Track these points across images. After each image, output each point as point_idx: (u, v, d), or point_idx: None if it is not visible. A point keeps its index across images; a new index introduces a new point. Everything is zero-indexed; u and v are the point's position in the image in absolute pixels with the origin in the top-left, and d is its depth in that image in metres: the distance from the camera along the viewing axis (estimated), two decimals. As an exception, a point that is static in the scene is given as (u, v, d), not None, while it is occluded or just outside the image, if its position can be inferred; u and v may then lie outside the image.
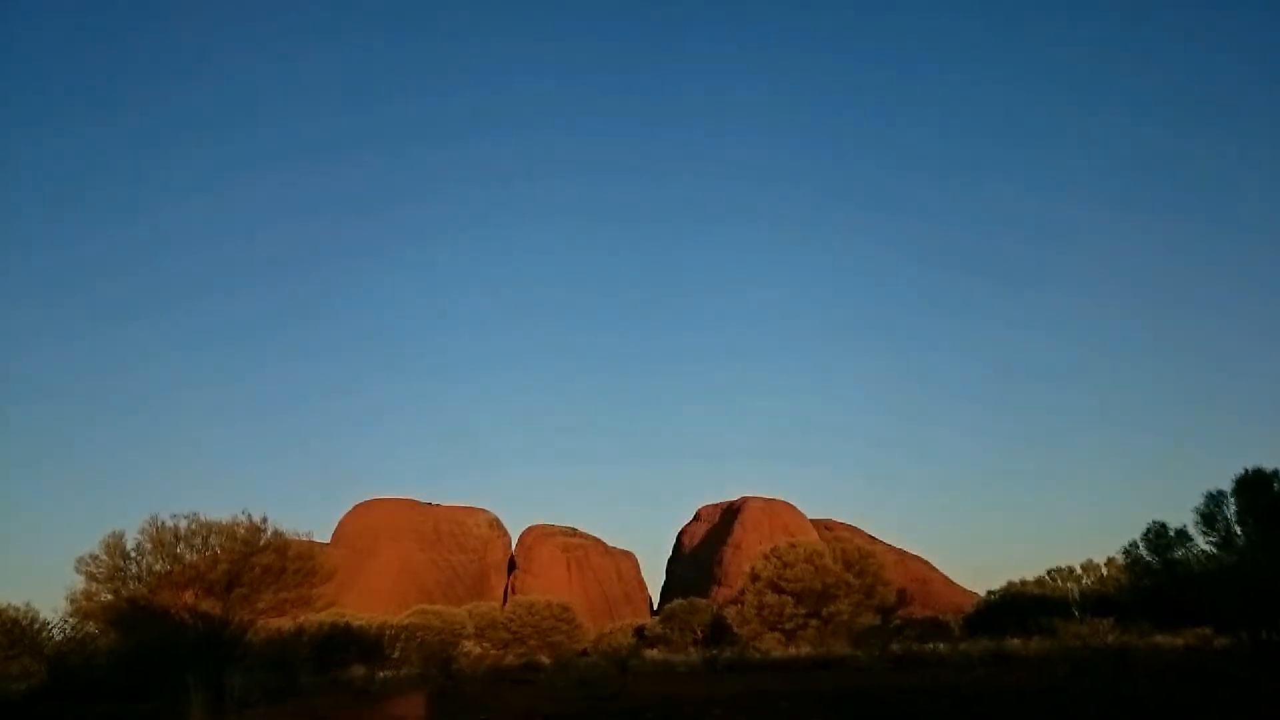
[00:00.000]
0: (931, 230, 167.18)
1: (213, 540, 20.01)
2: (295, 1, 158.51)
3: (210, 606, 19.19)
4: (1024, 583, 40.96)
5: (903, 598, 46.01)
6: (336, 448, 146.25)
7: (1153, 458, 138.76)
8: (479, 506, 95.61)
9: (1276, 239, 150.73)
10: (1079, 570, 38.52)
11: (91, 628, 20.82)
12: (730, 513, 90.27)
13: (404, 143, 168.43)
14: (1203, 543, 33.77)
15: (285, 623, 22.13)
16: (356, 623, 27.37)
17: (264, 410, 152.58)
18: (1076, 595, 36.54)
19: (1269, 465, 33.28)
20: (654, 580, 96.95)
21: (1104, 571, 36.95)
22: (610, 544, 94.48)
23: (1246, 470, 33.56)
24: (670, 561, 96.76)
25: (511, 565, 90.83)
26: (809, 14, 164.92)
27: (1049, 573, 40.06)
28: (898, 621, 36.12)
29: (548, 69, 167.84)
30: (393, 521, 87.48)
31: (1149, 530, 35.06)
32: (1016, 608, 31.72)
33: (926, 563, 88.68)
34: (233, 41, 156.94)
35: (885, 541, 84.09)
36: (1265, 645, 15.92)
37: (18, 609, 27.54)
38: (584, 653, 35.71)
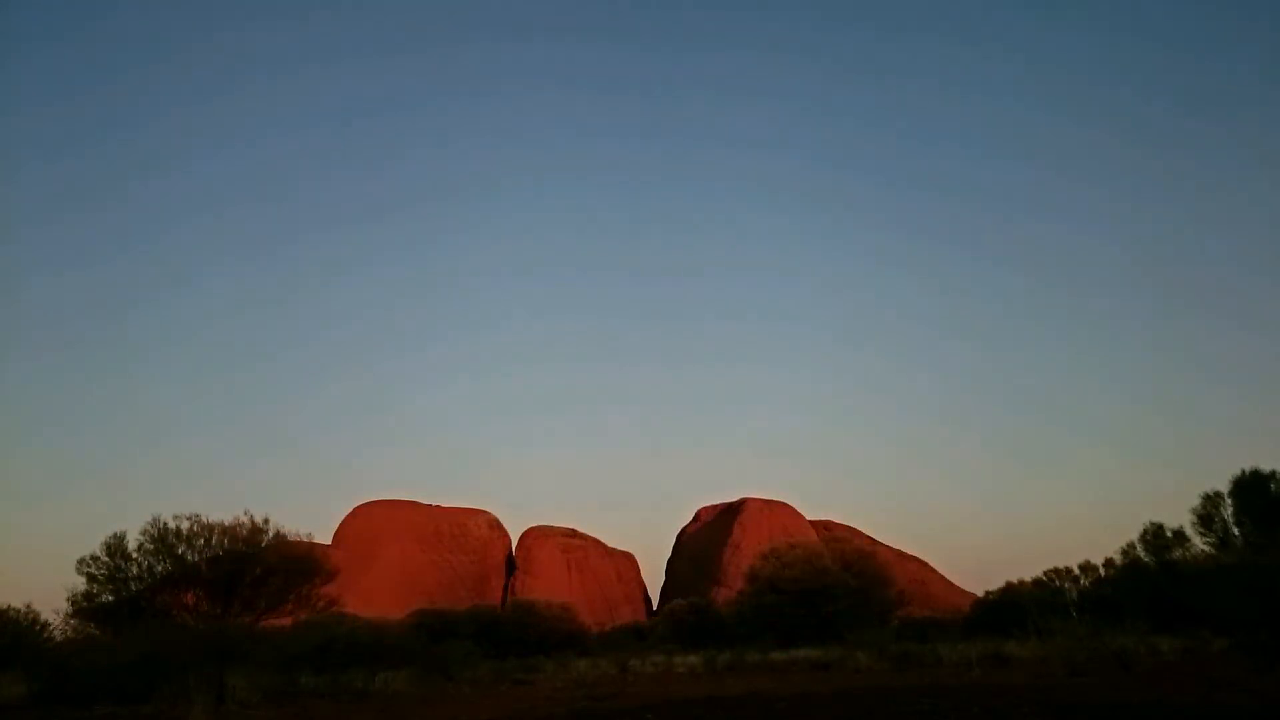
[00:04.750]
0: (933, 234, 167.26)
1: (214, 541, 20.07)
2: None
3: (211, 608, 19.25)
4: (1022, 583, 41.08)
5: (901, 598, 46.06)
6: (338, 449, 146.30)
7: (1151, 458, 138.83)
8: (479, 507, 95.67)
9: (1276, 239, 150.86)
10: (1077, 571, 38.65)
11: (92, 629, 20.85)
12: (730, 513, 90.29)
13: (402, 142, 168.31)
14: (1200, 543, 33.95)
15: (286, 623, 22.16)
16: (357, 624, 27.39)
17: (266, 412, 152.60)
18: (1074, 596, 36.65)
19: (1266, 466, 33.49)
20: (654, 580, 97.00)
21: (1102, 572, 37.06)
22: (610, 544, 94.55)
23: (1244, 471, 33.73)
24: (670, 561, 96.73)
25: (512, 566, 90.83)
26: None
27: (1047, 573, 40.20)
28: (896, 622, 36.19)
29: (550, 71, 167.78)
30: (393, 522, 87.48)
31: (1146, 531, 35.27)
32: (1014, 608, 31.77)
33: (925, 563, 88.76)
34: (228, 57, 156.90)
35: (884, 542, 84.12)
36: (1263, 647, 15.96)
37: (18, 610, 27.61)
38: (583, 653, 35.76)
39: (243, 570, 19.72)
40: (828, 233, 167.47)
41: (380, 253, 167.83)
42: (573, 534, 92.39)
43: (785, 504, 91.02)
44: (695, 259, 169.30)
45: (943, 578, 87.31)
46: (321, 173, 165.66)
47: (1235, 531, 33.10)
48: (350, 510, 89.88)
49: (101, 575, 20.30)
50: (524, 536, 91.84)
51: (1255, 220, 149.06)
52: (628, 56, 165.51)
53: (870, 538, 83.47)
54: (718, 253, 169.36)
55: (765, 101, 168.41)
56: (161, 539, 19.71)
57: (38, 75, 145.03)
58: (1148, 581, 31.46)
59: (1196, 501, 34.61)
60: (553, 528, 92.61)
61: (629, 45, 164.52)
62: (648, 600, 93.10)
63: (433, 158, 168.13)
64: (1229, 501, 33.49)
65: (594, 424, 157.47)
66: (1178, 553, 33.58)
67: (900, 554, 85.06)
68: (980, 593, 52.22)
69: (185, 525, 20.00)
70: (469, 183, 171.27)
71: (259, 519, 20.77)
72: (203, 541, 19.77)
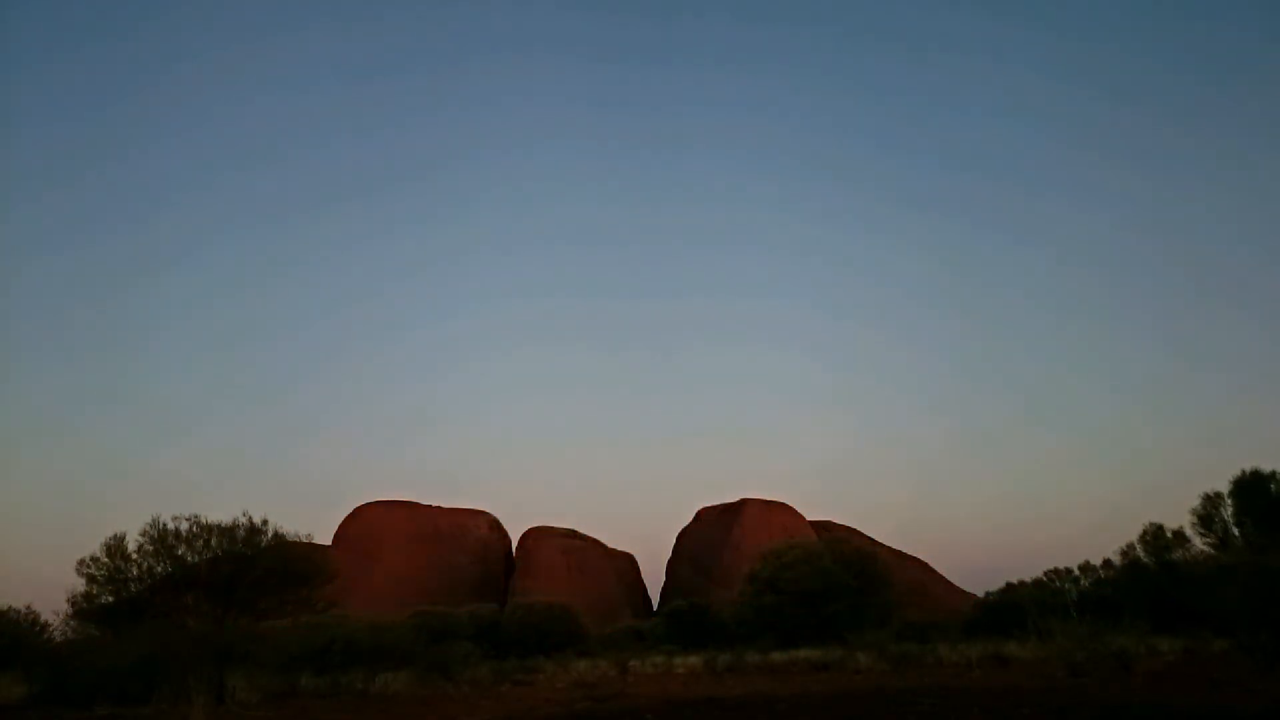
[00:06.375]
0: (934, 231, 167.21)
1: (213, 542, 20.04)
2: None
3: (211, 609, 19.23)
4: (1022, 584, 41.17)
5: (901, 599, 46.05)
6: (337, 450, 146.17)
7: (1151, 458, 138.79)
8: (479, 508, 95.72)
9: (1276, 239, 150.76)
10: (1077, 571, 38.74)
11: (92, 630, 20.85)
12: (730, 514, 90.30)
13: (401, 125, 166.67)
14: (1200, 544, 34.07)
15: (286, 625, 22.16)
16: (357, 625, 27.43)
17: (265, 413, 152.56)
18: (1074, 596, 36.70)
19: (1267, 466, 33.62)
20: (654, 581, 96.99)
21: (1102, 573, 37.14)
22: (610, 545, 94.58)
23: (1244, 471, 33.88)
24: (670, 563, 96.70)
25: (512, 566, 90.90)
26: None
27: (1047, 573, 40.30)
28: (896, 623, 36.19)
29: (546, 38, 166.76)
30: (393, 524, 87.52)
31: (1146, 531, 35.37)
32: (1014, 609, 31.82)
33: (925, 564, 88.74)
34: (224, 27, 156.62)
35: (884, 543, 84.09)
36: (1264, 647, 15.98)
37: (19, 611, 27.68)
38: (583, 653, 35.77)
39: (242, 572, 19.70)
40: (833, 232, 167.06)
41: (377, 249, 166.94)
42: (573, 534, 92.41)
43: (785, 504, 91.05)
44: (696, 260, 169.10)
45: (943, 578, 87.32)
46: (300, 151, 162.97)
47: (1235, 532, 33.20)
48: (350, 512, 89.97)
49: (101, 576, 20.27)
50: (524, 537, 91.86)
51: (1260, 213, 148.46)
52: (625, 23, 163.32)
53: (870, 538, 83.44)
54: (719, 254, 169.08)
55: (772, 70, 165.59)
56: (161, 540, 19.69)
57: (10, 45, 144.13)
58: (1148, 582, 31.50)
59: (1196, 501, 34.78)
60: (553, 528, 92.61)
61: (626, 12, 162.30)
62: (648, 601, 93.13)
63: (420, 131, 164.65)
64: (1229, 502, 33.60)
65: (594, 424, 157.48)
66: (1178, 553, 33.64)
67: (900, 554, 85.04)
68: (980, 593, 52.27)
69: (184, 526, 20.00)
70: (466, 174, 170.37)
71: (257, 520, 20.77)
72: (201, 543, 19.75)
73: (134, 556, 19.95)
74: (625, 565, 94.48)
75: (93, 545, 20.10)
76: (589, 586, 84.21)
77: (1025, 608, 28.92)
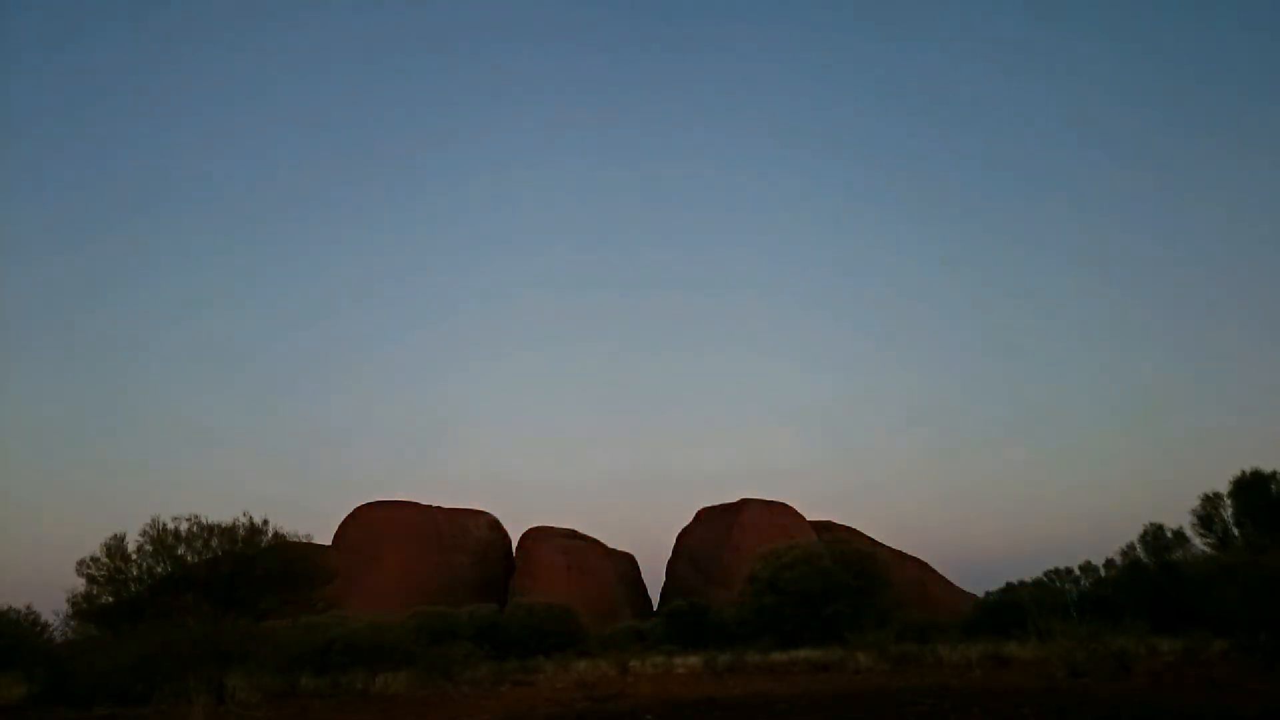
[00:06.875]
0: (936, 231, 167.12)
1: (214, 542, 20.08)
2: None
3: (211, 609, 19.25)
4: (1022, 584, 41.19)
5: (901, 599, 46.01)
6: (337, 451, 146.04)
7: (1151, 458, 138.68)
8: (479, 508, 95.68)
9: (1276, 237, 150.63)
10: (1077, 571, 38.79)
11: (92, 630, 20.88)
12: (730, 514, 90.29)
13: (400, 123, 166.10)
14: (1200, 544, 34.10)
15: (286, 625, 22.18)
16: (357, 625, 27.44)
17: (265, 413, 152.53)
18: (1075, 596, 36.72)
19: (1267, 467, 33.62)
20: (654, 582, 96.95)
21: (1102, 572, 37.18)
22: (610, 545, 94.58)
23: (1244, 471, 33.89)
24: (670, 563, 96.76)
25: (512, 567, 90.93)
26: None
27: (1047, 574, 40.35)
28: (896, 623, 36.20)
29: (548, 30, 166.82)
30: (393, 524, 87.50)
31: (1146, 531, 35.41)
32: (1014, 609, 31.81)
33: (925, 564, 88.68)
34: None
35: (884, 543, 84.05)
36: (1264, 647, 15.98)
37: (19, 611, 27.69)
38: (584, 654, 35.76)
39: (242, 572, 19.74)
40: (833, 229, 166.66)
41: (376, 246, 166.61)
42: (573, 535, 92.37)
43: (786, 505, 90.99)
44: (696, 258, 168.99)
45: (943, 578, 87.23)
46: (299, 150, 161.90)
47: (1235, 532, 33.21)
48: (350, 512, 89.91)
49: (101, 577, 20.32)
50: (524, 537, 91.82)
51: (1261, 212, 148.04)
52: (626, 19, 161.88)
53: (870, 538, 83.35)
54: (719, 252, 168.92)
55: (772, 69, 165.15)
56: (160, 540, 19.74)
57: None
58: (1148, 582, 31.52)
59: (1196, 502, 34.79)
60: (553, 528, 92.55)
61: (628, 6, 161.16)
62: (648, 601, 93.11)
63: (420, 129, 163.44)
64: (1229, 502, 33.62)
65: (594, 424, 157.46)
66: (1178, 553, 33.67)
67: (900, 554, 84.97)
68: (980, 593, 52.30)
69: (184, 526, 20.04)
70: (465, 176, 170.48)
71: (257, 520, 20.81)
72: (201, 543, 19.80)
73: (134, 557, 19.99)
74: (625, 565, 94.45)
75: (93, 545, 20.14)
76: (589, 586, 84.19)
77: (1025, 608, 28.88)
